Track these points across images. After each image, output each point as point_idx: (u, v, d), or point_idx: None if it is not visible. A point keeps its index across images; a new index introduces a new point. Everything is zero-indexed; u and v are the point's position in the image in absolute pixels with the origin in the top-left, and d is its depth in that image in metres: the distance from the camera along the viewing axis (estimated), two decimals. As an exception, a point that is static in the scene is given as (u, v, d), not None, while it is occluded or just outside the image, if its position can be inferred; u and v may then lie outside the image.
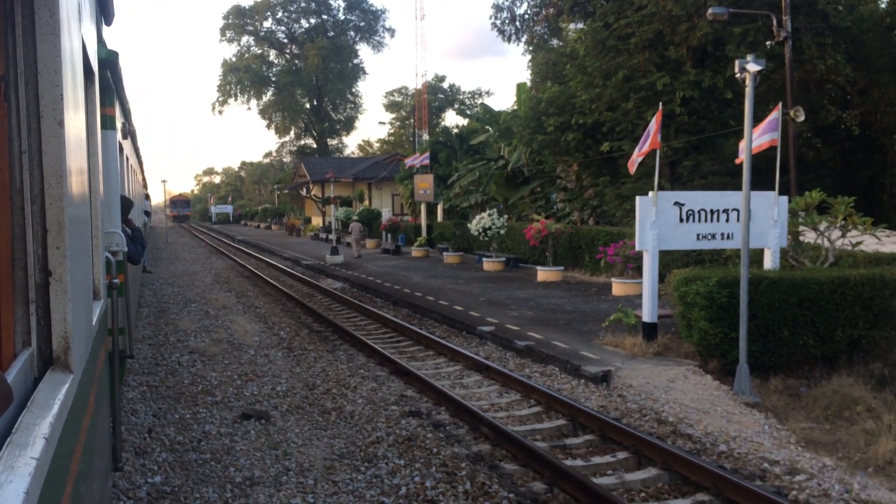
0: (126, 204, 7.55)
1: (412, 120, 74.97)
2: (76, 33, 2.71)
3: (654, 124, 11.33)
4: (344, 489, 6.19)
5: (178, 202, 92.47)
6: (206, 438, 7.51)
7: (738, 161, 11.22)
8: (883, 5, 26.59)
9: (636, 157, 11.87)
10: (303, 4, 78.55)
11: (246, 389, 9.44)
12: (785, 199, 11.44)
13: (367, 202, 49.68)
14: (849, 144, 27.34)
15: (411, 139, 69.45)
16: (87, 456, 2.70)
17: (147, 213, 30.89)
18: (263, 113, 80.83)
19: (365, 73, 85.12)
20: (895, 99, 26.93)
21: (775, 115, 11.00)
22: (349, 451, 7.10)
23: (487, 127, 36.34)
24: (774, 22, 19.71)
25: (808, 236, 12.30)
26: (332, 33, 78.24)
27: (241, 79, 78.53)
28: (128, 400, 8.80)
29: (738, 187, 9.98)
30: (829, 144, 27.87)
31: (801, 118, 18.54)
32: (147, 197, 31.69)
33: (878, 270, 10.42)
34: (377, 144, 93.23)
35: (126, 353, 6.56)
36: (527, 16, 35.86)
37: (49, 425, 1.78)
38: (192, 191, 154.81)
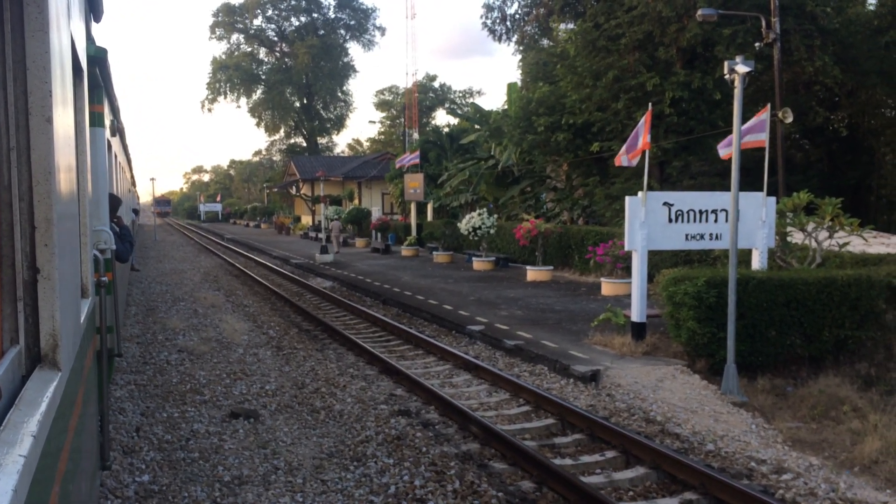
0: (114, 202, 7.52)
1: (402, 119, 74.89)
2: (65, 30, 2.70)
3: (643, 125, 11.37)
4: (333, 488, 6.18)
5: (160, 201, 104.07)
6: (194, 437, 7.49)
7: (724, 157, 11.28)
8: (871, 7, 26.77)
9: (625, 155, 11.88)
10: (293, 3, 78.35)
11: (235, 388, 9.41)
12: (773, 199, 11.51)
13: (356, 201, 49.61)
14: (836, 146, 27.52)
15: (402, 138, 69.38)
16: (75, 454, 2.70)
17: (135, 212, 30.78)
18: (253, 111, 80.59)
19: (355, 71, 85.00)
20: (882, 101, 27.14)
21: (763, 115, 11.06)
22: (338, 450, 7.10)
23: (478, 126, 36.36)
24: (763, 24, 19.81)
25: (796, 237, 12.38)
26: (322, 31, 78.08)
27: (230, 77, 78.24)
28: (116, 398, 8.76)
29: (727, 188, 10.03)
30: (817, 146, 28.05)
31: (790, 119, 18.66)
32: (134, 194, 31.50)
33: (864, 271, 10.49)
34: (367, 143, 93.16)
35: (114, 352, 6.53)
36: (517, 16, 35.92)
37: (37, 423, 1.78)
38: (182, 189, 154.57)
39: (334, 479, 6.38)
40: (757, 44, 20.45)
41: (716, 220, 11.04)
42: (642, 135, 11.39)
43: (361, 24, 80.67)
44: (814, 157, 27.94)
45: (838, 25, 22.92)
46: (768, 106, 11.35)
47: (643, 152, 11.50)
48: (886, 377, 9.64)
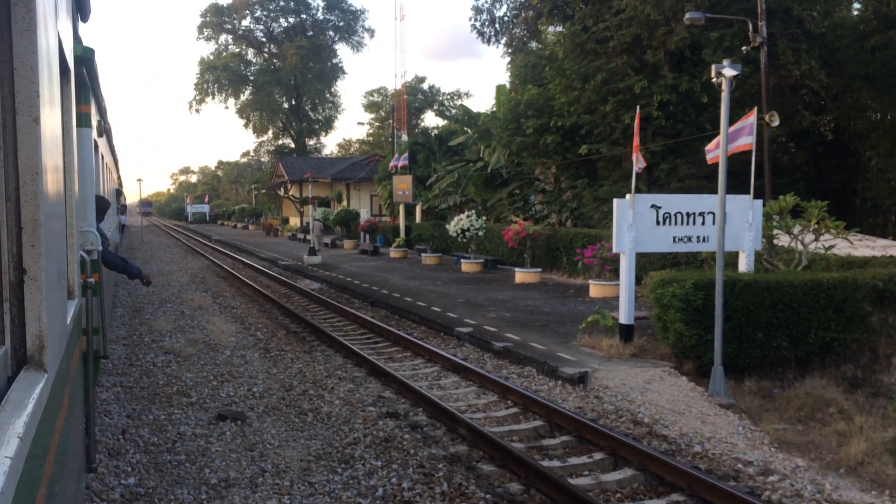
0: (102, 204, 7.46)
1: (391, 120, 74.88)
2: (52, 30, 2.69)
3: (636, 127, 11.42)
4: (320, 490, 6.17)
5: (143, 203, 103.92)
6: (180, 440, 7.45)
7: (710, 161, 11.33)
8: (856, 12, 26.99)
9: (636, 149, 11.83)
10: (281, 3, 78.13)
11: (222, 390, 9.37)
12: (760, 202, 11.58)
13: (345, 203, 49.51)
14: (822, 149, 27.71)
15: (390, 140, 69.36)
16: (61, 456, 2.68)
17: (124, 211, 30.60)
18: (241, 112, 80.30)
19: (344, 72, 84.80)
20: (868, 105, 27.35)
21: (750, 119, 11.12)
22: (326, 453, 7.08)
23: (466, 128, 36.38)
24: (750, 27, 19.95)
25: (783, 240, 12.45)
26: (311, 33, 77.91)
27: (218, 77, 77.93)
28: (101, 400, 8.70)
29: (714, 190, 10.08)
30: (803, 149, 28.23)
31: (776, 123, 18.80)
32: (121, 194, 31.29)
33: (850, 274, 10.55)
34: (356, 145, 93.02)
35: (100, 353, 6.49)
36: (506, 18, 35.95)
37: (23, 425, 1.77)
38: (169, 189, 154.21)
39: (322, 481, 6.36)
40: (744, 48, 20.60)
41: (703, 223, 11.10)
42: (633, 137, 11.42)
43: (350, 26, 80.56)
44: (800, 161, 28.12)
45: (824, 30, 23.10)
46: (755, 109, 11.42)
47: (634, 154, 11.53)
48: (872, 379, 9.71)
